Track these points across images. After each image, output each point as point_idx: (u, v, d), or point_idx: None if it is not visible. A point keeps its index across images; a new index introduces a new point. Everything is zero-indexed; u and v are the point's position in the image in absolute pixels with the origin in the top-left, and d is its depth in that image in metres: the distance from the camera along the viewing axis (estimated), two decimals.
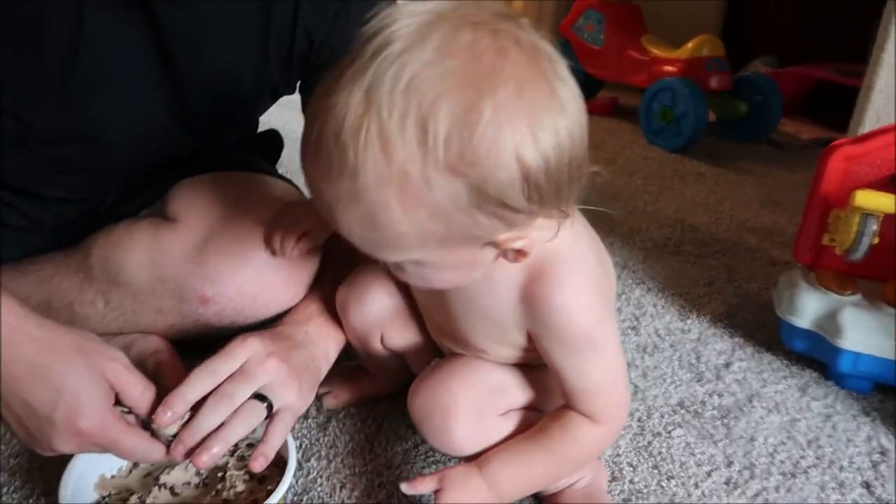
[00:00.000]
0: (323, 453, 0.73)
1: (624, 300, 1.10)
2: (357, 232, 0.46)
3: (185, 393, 0.59)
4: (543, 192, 0.45)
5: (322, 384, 0.80)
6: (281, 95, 0.89)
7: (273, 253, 0.74)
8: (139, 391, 0.58)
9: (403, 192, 0.43)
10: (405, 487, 0.58)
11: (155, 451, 0.58)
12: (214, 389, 0.60)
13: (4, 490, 0.66)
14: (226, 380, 0.61)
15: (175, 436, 0.58)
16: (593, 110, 2.32)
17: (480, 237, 0.47)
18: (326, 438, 0.75)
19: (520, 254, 0.50)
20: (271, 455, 0.60)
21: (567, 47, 2.36)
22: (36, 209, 0.81)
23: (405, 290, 0.71)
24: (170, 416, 0.58)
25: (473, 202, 0.44)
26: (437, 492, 0.58)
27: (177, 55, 0.73)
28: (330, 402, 0.79)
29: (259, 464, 0.59)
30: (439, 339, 0.70)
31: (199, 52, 0.74)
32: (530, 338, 0.60)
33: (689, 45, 2.00)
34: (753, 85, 2.02)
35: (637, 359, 0.94)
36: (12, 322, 0.55)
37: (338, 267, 0.80)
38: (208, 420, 0.59)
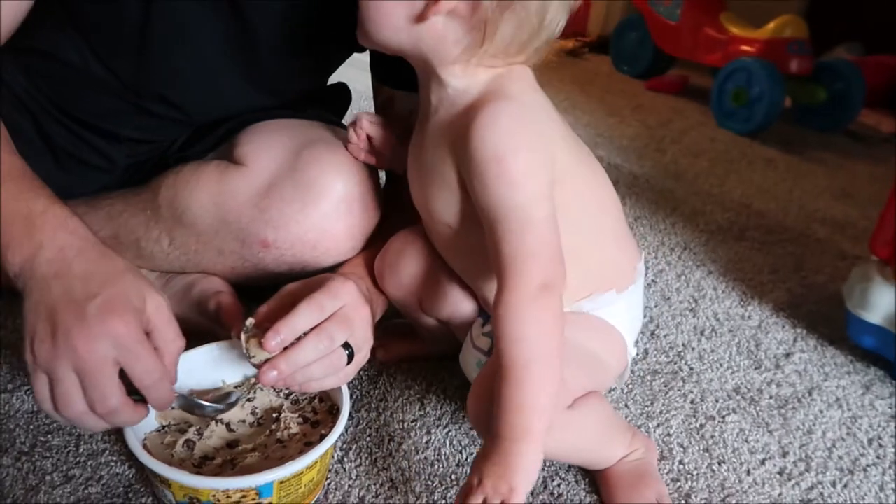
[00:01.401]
0: (373, 405, 0.74)
1: (683, 281, 1.07)
2: None
3: (295, 323, 0.60)
4: None
5: (376, 337, 0.81)
6: (352, 52, 0.88)
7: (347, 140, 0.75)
8: (171, 336, 0.57)
9: None
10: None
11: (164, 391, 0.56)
12: (316, 326, 0.61)
13: None
14: (327, 319, 0.62)
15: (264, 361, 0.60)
16: (662, 87, 2.25)
17: None
18: (377, 391, 0.76)
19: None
20: (290, 382, 0.61)
21: (640, 20, 2.29)
22: (111, 148, 0.83)
23: (437, 256, 0.71)
24: (278, 343, 0.59)
25: None
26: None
27: (248, 12, 0.73)
28: (382, 356, 0.80)
29: (268, 379, 0.60)
30: (436, 239, 0.69)
31: (271, 8, 0.74)
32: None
33: (771, 25, 1.91)
34: (835, 71, 1.93)
35: (693, 341, 0.92)
36: (82, 232, 0.56)
37: (393, 227, 0.80)
38: (307, 355, 0.60)
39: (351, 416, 0.72)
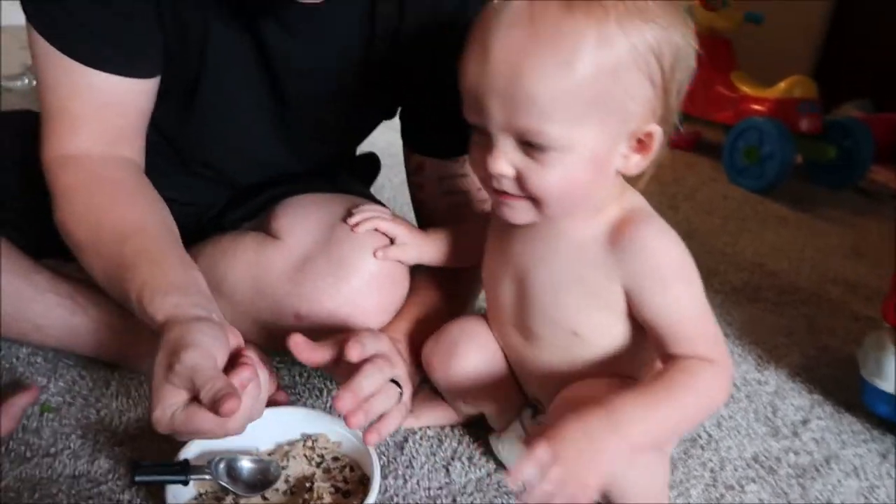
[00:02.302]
0: (400, 472, 0.76)
1: None
2: (543, 85, 0.52)
3: (365, 343, 0.67)
4: (673, 84, 0.56)
5: None
6: (381, 120, 0.93)
7: (348, 219, 0.78)
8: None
9: (598, 32, 0.52)
10: (512, 481, 0.52)
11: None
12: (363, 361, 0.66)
13: (109, 477, 0.72)
14: (370, 358, 0.67)
15: None
16: (675, 143, 2.29)
17: (631, 114, 0.55)
18: (403, 457, 0.78)
19: (643, 148, 0.57)
20: (384, 434, 0.66)
21: None
22: None
23: (493, 352, 0.74)
24: (359, 351, 0.66)
25: (645, 58, 0.53)
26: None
27: (285, 84, 0.78)
28: (408, 422, 0.82)
29: (373, 439, 0.66)
30: (520, 340, 0.70)
31: (306, 80, 0.79)
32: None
33: (782, 85, 1.96)
34: (844, 129, 1.97)
35: None
36: None
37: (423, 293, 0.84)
38: (367, 384, 0.65)
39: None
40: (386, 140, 1.88)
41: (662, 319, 0.61)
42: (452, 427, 0.83)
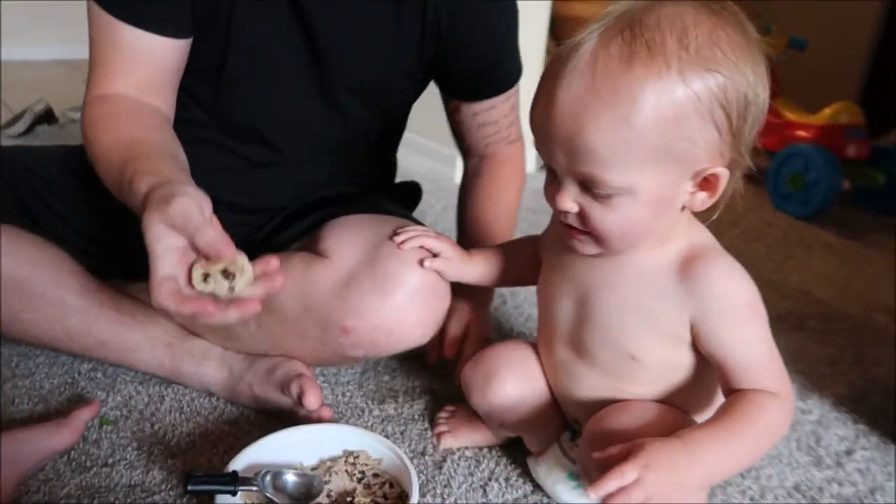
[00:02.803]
0: (438, 491, 0.78)
1: None
2: (601, 138, 0.55)
3: None
4: (744, 127, 0.57)
5: (444, 423, 0.86)
6: (418, 88, 0.99)
7: (394, 237, 0.81)
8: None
9: (657, 85, 0.54)
10: (595, 491, 0.55)
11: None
12: None
13: (163, 487, 0.75)
14: None
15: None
16: None
17: (694, 159, 0.57)
18: (441, 477, 0.80)
19: (710, 186, 0.59)
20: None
21: None
22: None
23: (534, 378, 0.76)
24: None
25: (709, 106, 0.55)
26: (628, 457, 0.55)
27: (321, 41, 0.85)
28: (448, 442, 0.84)
29: None
30: (574, 360, 0.71)
31: (340, 36, 0.86)
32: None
33: (827, 111, 1.94)
34: (892, 155, 1.93)
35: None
36: None
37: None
38: None
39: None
40: (427, 167, 1.93)
41: (731, 355, 0.62)
42: (490, 448, 0.85)
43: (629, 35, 0.55)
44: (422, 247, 0.80)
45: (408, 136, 1.85)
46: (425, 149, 1.85)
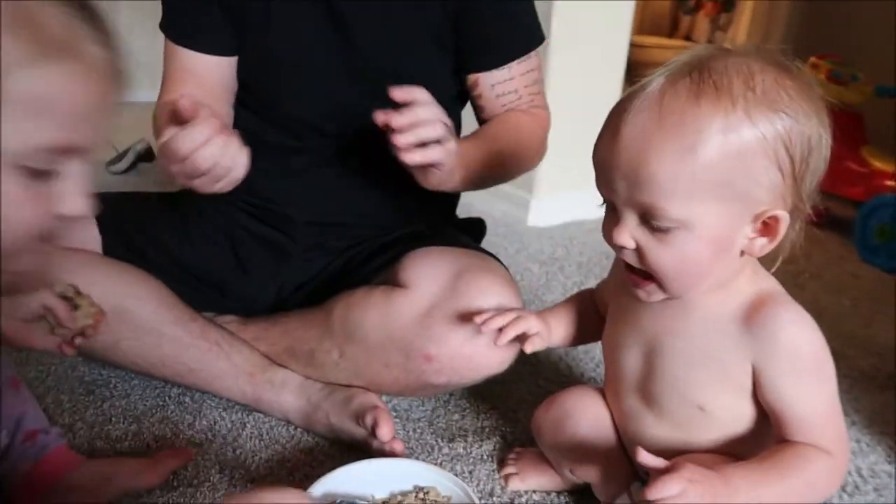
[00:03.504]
0: None
1: None
2: (665, 168, 0.56)
3: None
4: (806, 173, 0.57)
5: (512, 465, 0.86)
6: (446, 73, 1.00)
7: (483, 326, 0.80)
8: None
9: (725, 120, 0.55)
10: (650, 493, 0.55)
11: None
12: None
13: None
14: None
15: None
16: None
17: (755, 199, 0.57)
18: None
19: (770, 231, 0.59)
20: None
21: None
22: (287, 240, 1.01)
23: (605, 424, 0.76)
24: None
25: (774, 146, 0.55)
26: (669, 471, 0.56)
27: (347, 18, 0.92)
28: (515, 484, 0.84)
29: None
30: (642, 409, 0.71)
31: (365, 10, 0.91)
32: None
33: None
34: None
35: (834, 497, 0.89)
36: None
37: None
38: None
39: None
40: (500, 210, 1.95)
41: (789, 407, 0.61)
42: (559, 493, 0.84)
43: (697, 76, 0.57)
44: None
45: None
46: (499, 192, 1.88)
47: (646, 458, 0.58)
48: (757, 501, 0.58)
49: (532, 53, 1.00)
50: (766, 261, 0.66)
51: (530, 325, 0.79)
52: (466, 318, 0.83)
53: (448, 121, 0.81)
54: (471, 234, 1.14)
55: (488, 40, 0.97)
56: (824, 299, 1.59)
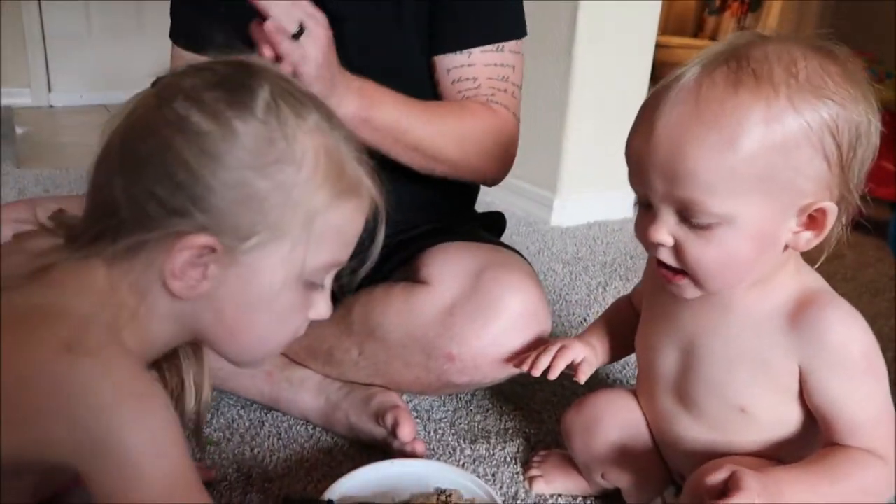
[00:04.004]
0: None
1: None
2: (704, 161, 0.53)
3: None
4: (854, 162, 0.54)
5: (536, 467, 0.83)
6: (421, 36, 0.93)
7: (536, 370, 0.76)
8: None
9: (766, 110, 0.52)
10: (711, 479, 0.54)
11: None
12: None
13: None
14: None
15: None
16: None
17: (801, 191, 0.54)
18: None
19: (816, 225, 0.55)
20: None
21: None
22: None
23: (637, 427, 0.72)
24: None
25: (819, 135, 0.52)
26: (734, 485, 0.53)
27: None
28: (540, 487, 0.82)
29: None
30: (678, 411, 0.67)
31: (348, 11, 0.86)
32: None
33: None
34: None
35: None
36: None
37: None
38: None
39: None
40: (523, 210, 1.93)
41: (840, 410, 0.58)
42: (585, 497, 0.81)
43: (735, 65, 0.54)
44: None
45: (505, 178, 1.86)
46: (521, 191, 1.86)
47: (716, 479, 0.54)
48: None
49: (506, 48, 0.93)
50: (809, 258, 0.63)
51: (576, 352, 0.75)
52: (490, 316, 0.80)
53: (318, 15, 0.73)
54: (491, 228, 1.11)
55: (453, 22, 0.91)
56: (859, 301, 1.53)
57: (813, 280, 0.62)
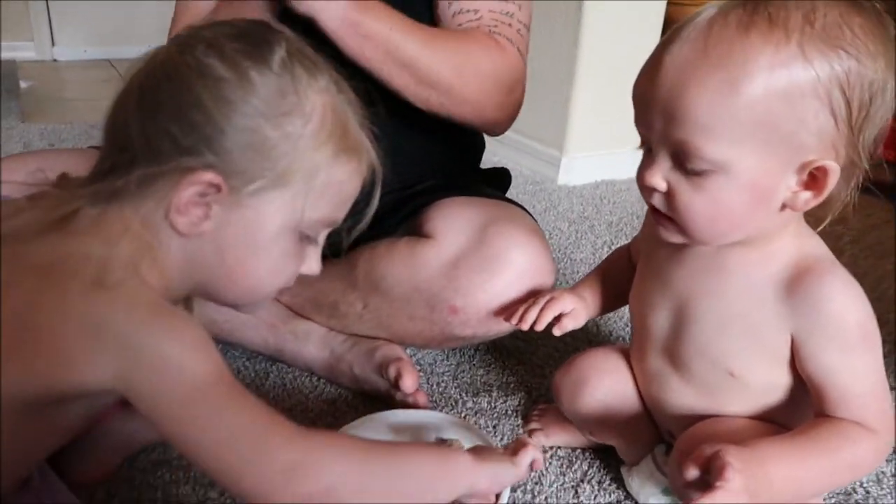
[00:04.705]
0: (528, 487, 0.77)
1: None
2: (704, 101, 0.52)
3: None
4: (865, 123, 0.52)
5: (536, 420, 0.85)
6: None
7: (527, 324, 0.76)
8: None
9: (774, 55, 0.50)
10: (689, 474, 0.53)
11: None
12: None
13: None
14: None
15: None
16: None
17: (802, 146, 0.52)
18: (534, 474, 0.79)
19: (816, 184, 0.53)
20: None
21: None
22: None
23: (625, 387, 0.72)
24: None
25: (828, 88, 0.51)
26: (718, 470, 0.52)
27: None
28: (539, 440, 0.83)
29: None
30: (667, 371, 0.67)
31: None
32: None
33: None
34: None
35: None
36: None
37: None
38: None
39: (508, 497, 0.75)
40: (530, 168, 1.91)
41: (831, 381, 0.57)
42: (584, 450, 0.83)
43: (751, 7, 0.52)
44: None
45: (511, 136, 1.84)
46: (529, 149, 1.84)
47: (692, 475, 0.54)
48: (793, 484, 0.55)
49: None
50: (812, 220, 0.61)
51: (565, 304, 0.75)
52: (494, 269, 0.81)
53: None
54: (496, 184, 1.11)
55: None
56: (864, 263, 1.53)
57: (814, 246, 0.60)
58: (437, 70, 0.84)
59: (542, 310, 0.75)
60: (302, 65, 0.52)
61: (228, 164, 0.49)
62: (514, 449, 0.62)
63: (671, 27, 0.57)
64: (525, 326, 0.75)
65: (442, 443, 0.75)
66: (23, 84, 2.58)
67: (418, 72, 0.83)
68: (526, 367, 0.99)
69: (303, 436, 0.50)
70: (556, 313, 0.75)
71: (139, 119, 0.50)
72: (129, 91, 0.51)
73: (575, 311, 0.76)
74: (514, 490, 0.76)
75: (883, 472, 0.84)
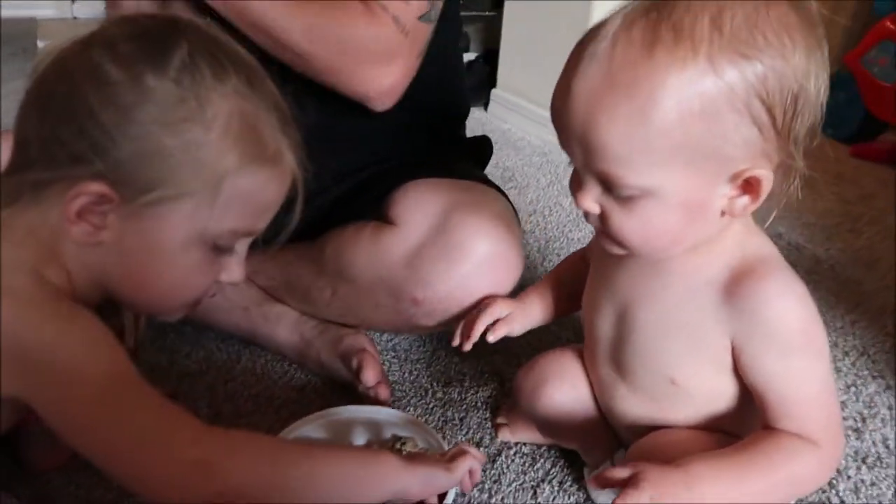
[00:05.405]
0: (486, 486, 0.76)
1: (853, 394, 0.97)
2: (616, 134, 0.48)
3: None
4: (793, 124, 0.49)
5: (502, 416, 0.83)
6: None
7: (462, 340, 0.76)
8: None
9: (681, 74, 0.46)
10: (593, 484, 0.54)
11: None
12: None
13: None
14: None
15: None
16: (869, 155, 2.03)
17: (729, 158, 0.49)
18: (493, 471, 0.78)
19: (752, 190, 0.51)
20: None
21: (850, 79, 2.10)
22: None
23: (584, 391, 0.71)
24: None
25: (745, 99, 0.47)
26: (629, 484, 0.51)
27: None
28: (505, 435, 0.82)
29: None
30: (615, 379, 0.65)
31: None
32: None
33: None
34: None
35: (851, 468, 0.83)
36: None
37: None
38: None
39: (463, 493, 0.74)
40: (541, 139, 1.85)
41: (772, 388, 0.55)
42: (549, 448, 0.81)
43: (655, 16, 0.47)
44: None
45: (522, 103, 1.78)
46: (539, 119, 1.79)
47: (596, 476, 0.53)
48: (730, 499, 0.52)
49: None
50: (759, 216, 0.57)
51: (499, 310, 0.74)
52: (456, 259, 0.78)
53: None
54: (476, 157, 1.06)
55: None
56: (880, 247, 1.46)
57: (759, 245, 0.56)
58: (287, 31, 0.76)
59: (475, 321, 0.73)
60: (208, 66, 0.49)
61: (121, 174, 0.48)
62: (453, 455, 0.60)
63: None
64: (466, 348, 0.75)
65: (397, 440, 0.74)
66: (40, 44, 2.59)
67: (269, 32, 0.76)
68: (503, 356, 0.97)
69: (210, 434, 0.50)
70: (491, 320, 0.73)
71: (36, 120, 0.49)
72: (31, 90, 0.50)
73: (510, 316, 0.74)
74: (473, 488, 0.75)
75: (862, 481, 0.81)
